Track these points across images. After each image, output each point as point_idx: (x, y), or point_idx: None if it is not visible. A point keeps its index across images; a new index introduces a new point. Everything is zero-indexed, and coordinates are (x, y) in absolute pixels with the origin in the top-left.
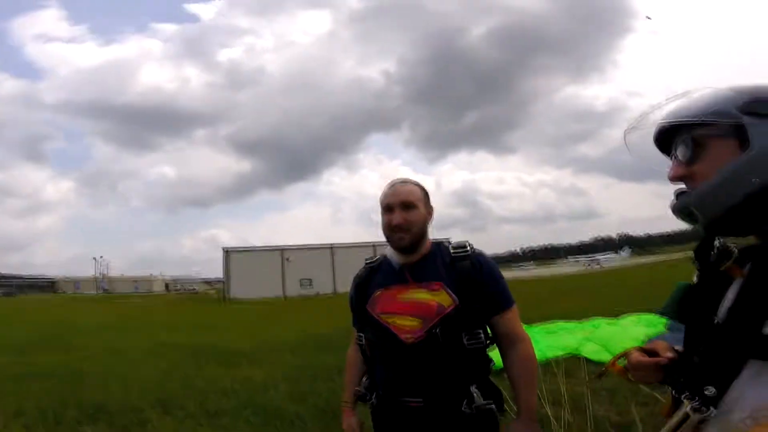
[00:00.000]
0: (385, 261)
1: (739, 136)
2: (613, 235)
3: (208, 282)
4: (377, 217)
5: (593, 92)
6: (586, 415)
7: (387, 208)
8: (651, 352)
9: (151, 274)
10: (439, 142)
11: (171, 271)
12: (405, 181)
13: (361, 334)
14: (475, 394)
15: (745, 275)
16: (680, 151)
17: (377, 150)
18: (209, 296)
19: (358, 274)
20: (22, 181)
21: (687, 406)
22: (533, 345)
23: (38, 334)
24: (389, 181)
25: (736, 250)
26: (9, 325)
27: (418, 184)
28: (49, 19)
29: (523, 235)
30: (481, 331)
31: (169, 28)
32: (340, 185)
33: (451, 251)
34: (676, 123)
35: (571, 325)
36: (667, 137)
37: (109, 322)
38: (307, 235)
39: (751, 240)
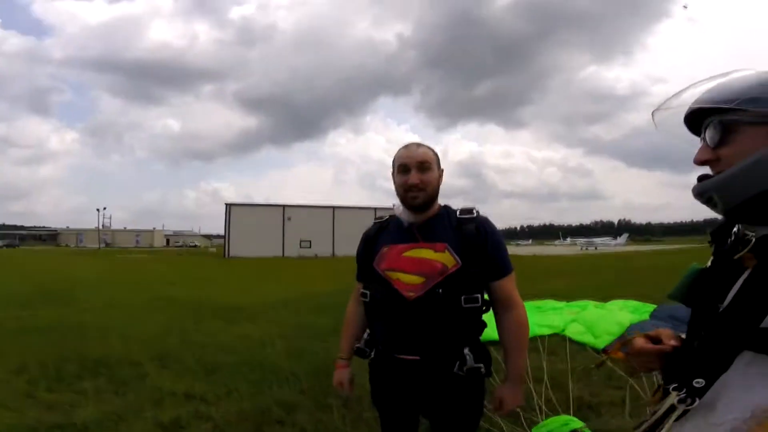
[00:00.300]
0: (393, 219)
1: None
2: (614, 219)
3: (208, 237)
4: (382, 181)
5: (615, 74)
6: (563, 393)
7: (403, 168)
8: (655, 339)
9: (154, 228)
10: (450, 111)
11: (173, 225)
12: (419, 144)
13: (366, 291)
14: (467, 356)
15: (754, 265)
16: (709, 134)
17: (385, 113)
18: (209, 252)
19: (366, 231)
20: (27, 132)
21: (674, 398)
22: None
23: (39, 287)
24: (402, 144)
25: (754, 239)
26: (11, 278)
27: (431, 148)
28: None
29: (524, 211)
30: (479, 294)
31: None
32: (346, 147)
33: (458, 214)
34: (707, 107)
35: (560, 304)
36: (698, 118)
37: (109, 276)
38: (309, 194)
39: None
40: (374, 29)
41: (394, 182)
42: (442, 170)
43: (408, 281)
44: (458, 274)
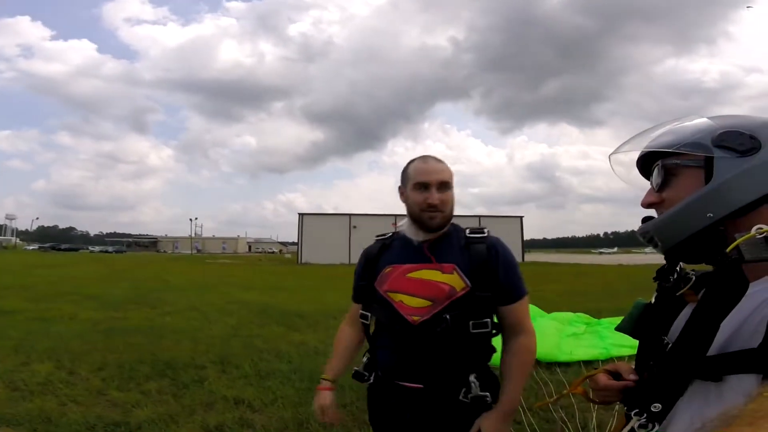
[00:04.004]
0: (399, 237)
1: (708, 168)
2: None
3: (284, 244)
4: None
5: (701, 66)
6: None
7: (423, 185)
8: (615, 374)
9: (238, 236)
10: (514, 113)
11: (254, 233)
12: (438, 159)
13: (366, 313)
14: (473, 384)
15: (697, 301)
16: (654, 178)
17: (444, 119)
18: (285, 258)
19: (368, 249)
20: (130, 149)
21: (635, 422)
22: (599, 340)
23: (134, 290)
24: (423, 155)
25: (694, 277)
26: (113, 282)
27: (447, 165)
28: (134, 3)
29: (607, 217)
30: (488, 318)
31: (239, 6)
32: (404, 155)
33: (467, 233)
34: (648, 151)
35: None
36: (649, 163)
37: (195, 281)
38: (372, 203)
39: (708, 267)
40: (426, 36)
41: (407, 197)
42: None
43: (413, 304)
44: (467, 297)
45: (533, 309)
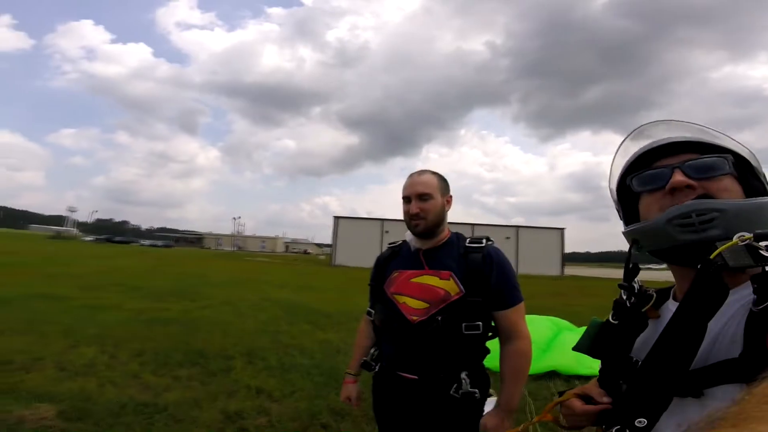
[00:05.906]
0: (405, 245)
1: (743, 183)
2: None
3: (320, 245)
4: (478, 195)
5: (761, 73)
6: None
7: (405, 198)
8: (585, 397)
9: (276, 236)
10: (555, 120)
11: (291, 233)
12: (422, 172)
13: (372, 310)
14: (464, 380)
15: (672, 315)
16: (697, 165)
17: (480, 126)
18: (319, 259)
19: (380, 255)
20: (180, 149)
21: None
22: None
23: (178, 283)
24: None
25: (654, 294)
26: (158, 275)
27: (435, 174)
28: (183, 8)
29: None
30: (480, 321)
31: (279, 12)
32: (439, 161)
33: (467, 243)
34: (652, 147)
35: None
36: (648, 158)
37: (233, 277)
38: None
39: (662, 283)
40: (461, 41)
41: (403, 210)
42: (450, 197)
43: (414, 306)
44: (460, 302)
45: (563, 323)
